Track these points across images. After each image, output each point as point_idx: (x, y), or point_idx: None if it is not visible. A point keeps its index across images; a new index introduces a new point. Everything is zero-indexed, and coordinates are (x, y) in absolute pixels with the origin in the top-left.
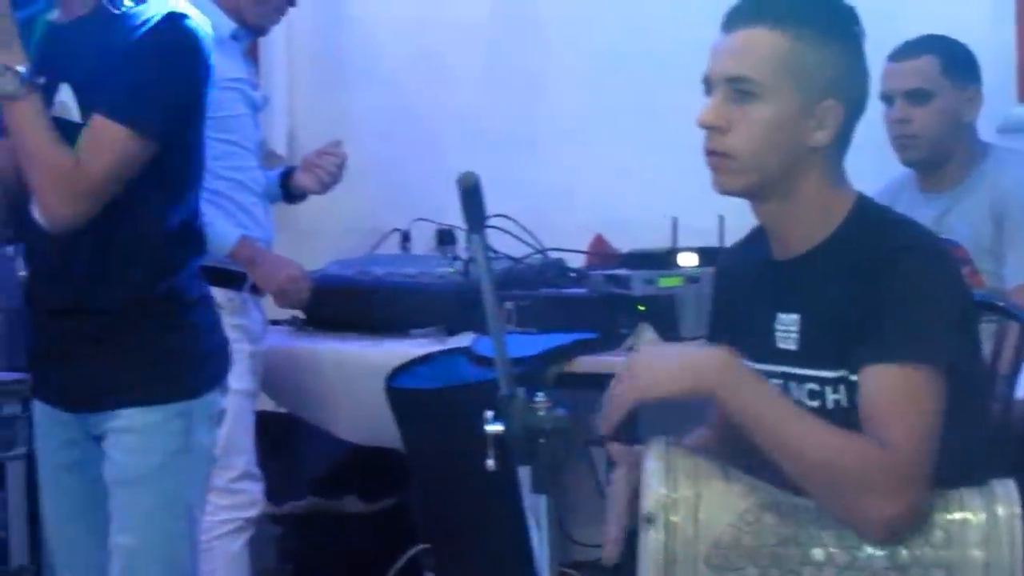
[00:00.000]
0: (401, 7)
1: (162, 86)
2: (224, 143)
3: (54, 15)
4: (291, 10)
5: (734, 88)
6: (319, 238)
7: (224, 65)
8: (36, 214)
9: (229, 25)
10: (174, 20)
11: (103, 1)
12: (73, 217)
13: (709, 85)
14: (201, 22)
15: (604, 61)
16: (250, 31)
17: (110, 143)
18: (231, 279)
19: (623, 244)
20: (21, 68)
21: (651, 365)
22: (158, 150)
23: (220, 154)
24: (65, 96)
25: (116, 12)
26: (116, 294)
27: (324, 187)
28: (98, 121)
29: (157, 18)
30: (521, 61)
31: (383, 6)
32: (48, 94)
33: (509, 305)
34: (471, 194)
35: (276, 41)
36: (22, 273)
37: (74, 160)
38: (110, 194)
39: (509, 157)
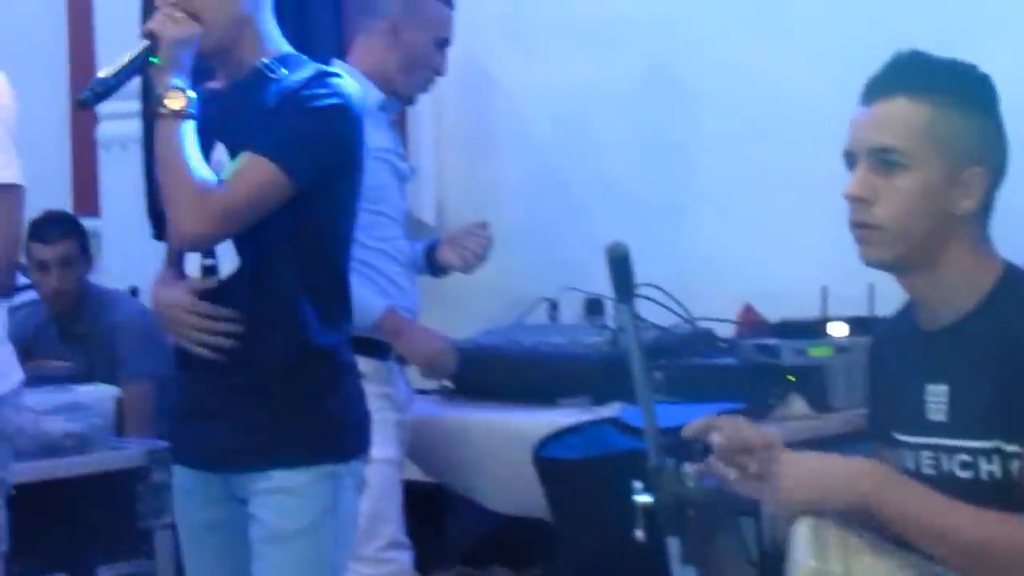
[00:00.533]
0: (548, 74)
1: (310, 134)
2: (370, 213)
3: (214, 83)
4: (438, 79)
5: (878, 159)
6: (467, 307)
7: (372, 135)
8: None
9: (377, 95)
10: (326, 77)
11: (260, 67)
12: (202, 234)
13: (851, 159)
14: (352, 85)
15: (753, 128)
16: (398, 101)
17: (252, 172)
18: (376, 348)
19: (773, 313)
20: (192, 94)
21: (807, 484)
22: (298, 193)
23: (366, 224)
24: (220, 155)
25: (272, 77)
26: (270, 350)
27: (468, 267)
28: (245, 155)
29: (310, 76)
30: (669, 128)
31: (530, 73)
32: (205, 153)
33: (658, 375)
34: (620, 264)
35: (423, 110)
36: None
37: (215, 182)
38: (242, 222)
39: (658, 225)
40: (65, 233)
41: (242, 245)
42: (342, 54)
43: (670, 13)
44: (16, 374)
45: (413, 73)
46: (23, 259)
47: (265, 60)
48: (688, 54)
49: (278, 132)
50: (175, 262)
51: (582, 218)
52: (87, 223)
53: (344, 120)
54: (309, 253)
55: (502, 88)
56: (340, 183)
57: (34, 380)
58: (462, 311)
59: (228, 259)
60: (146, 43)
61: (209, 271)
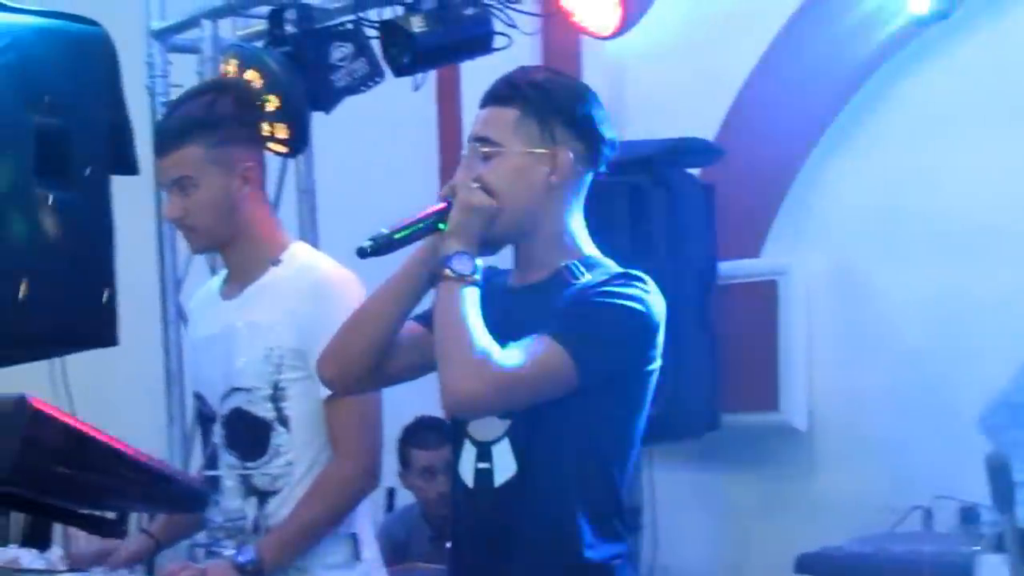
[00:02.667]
0: (920, 282)
1: (604, 330)
2: None
3: (510, 279)
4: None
5: None
6: (838, 514)
7: None
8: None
9: None
10: (630, 279)
11: (561, 268)
12: (476, 399)
13: None
14: (655, 293)
15: None
16: None
17: (538, 350)
18: None
19: None
20: (479, 262)
21: None
22: (580, 388)
23: None
24: None
25: (573, 282)
26: (542, 563)
27: None
28: (535, 336)
29: (613, 274)
30: None
31: (902, 281)
32: None
33: None
34: (1000, 472)
35: (795, 318)
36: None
37: (497, 350)
38: (518, 397)
39: None
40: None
41: (519, 449)
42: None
43: None
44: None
45: None
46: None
47: (567, 262)
48: None
49: (571, 320)
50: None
51: (955, 424)
52: None
53: (639, 325)
54: (588, 461)
55: (874, 295)
56: (624, 390)
57: None
58: (833, 518)
59: (504, 465)
60: (440, 206)
61: (483, 475)
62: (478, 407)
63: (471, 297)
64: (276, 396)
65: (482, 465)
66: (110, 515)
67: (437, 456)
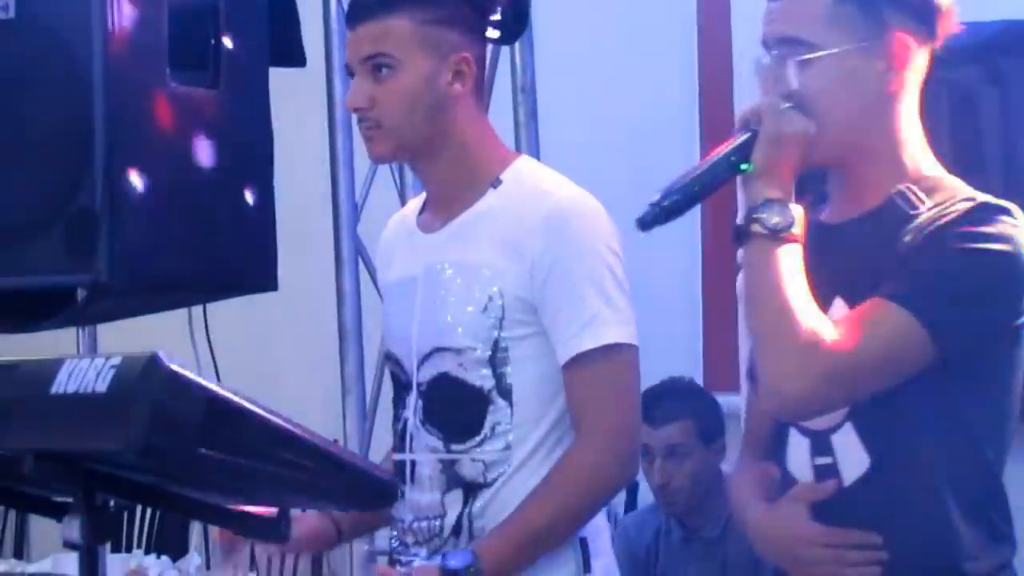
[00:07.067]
0: None
1: (962, 282)
2: None
3: (823, 213)
4: None
5: None
6: None
7: None
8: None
9: None
10: (993, 212)
11: (894, 197)
12: (806, 396)
13: None
14: None
15: None
16: None
17: (880, 322)
18: None
19: None
20: (799, 211)
21: None
22: (940, 360)
23: None
24: (836, 313)
25: (911, 212)
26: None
27: None
28: (871, 302)
29: (970, 208)
30: None
31: None
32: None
33: None
34: None
35: None
36: None
37: (827, 329)
38: (861, 386)
39: None
40: (676, 413)
41: (870, 438)
42: None
43: None
44: None
45: None
46: None
47: (901, 186)
48: None
49: (918, 276)
50: (761, 451)
51: None
52: (724, 400)
53: (1008, 274)
54: (957, 445)
55: None
56: (995, 356)
57: None
58: None
59: (851, 458)
60: (741, 139)
61: (824, 472)
62: (810, 407)
63: (790, 259)
64: (496, 359)
65: (821, 460)
66: (266, 512)
67: (656, 437)
